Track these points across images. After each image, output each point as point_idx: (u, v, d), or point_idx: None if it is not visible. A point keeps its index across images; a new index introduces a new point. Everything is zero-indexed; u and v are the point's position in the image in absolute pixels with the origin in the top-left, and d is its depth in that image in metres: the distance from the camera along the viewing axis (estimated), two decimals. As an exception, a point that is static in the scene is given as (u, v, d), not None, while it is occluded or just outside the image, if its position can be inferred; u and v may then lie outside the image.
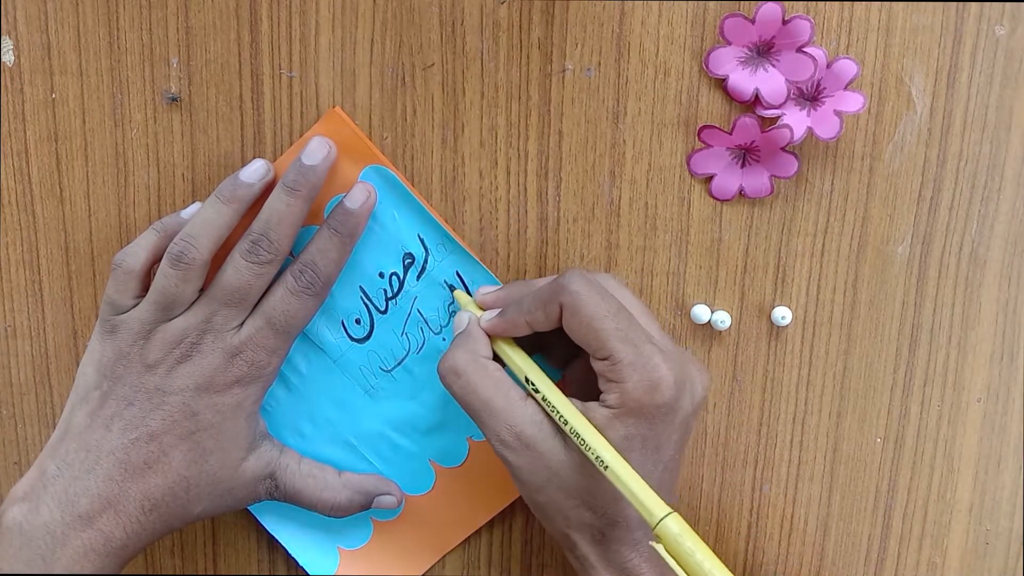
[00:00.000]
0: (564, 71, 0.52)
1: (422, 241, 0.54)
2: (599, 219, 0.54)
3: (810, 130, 0.51)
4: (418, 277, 0.54)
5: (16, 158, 0.54)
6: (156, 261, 0.51)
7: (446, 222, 0.54)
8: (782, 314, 0.53)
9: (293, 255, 0.52)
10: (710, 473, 0.56)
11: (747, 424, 0.55)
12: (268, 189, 0.52)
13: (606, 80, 0.52)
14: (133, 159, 0.54)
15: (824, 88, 0.51)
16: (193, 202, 0.53)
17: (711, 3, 0.51)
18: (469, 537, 0.57)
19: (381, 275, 0.54)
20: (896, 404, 0.55)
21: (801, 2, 0.51)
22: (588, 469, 0.47)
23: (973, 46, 0.51)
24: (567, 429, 0.46)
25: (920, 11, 0.51)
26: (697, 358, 0.54)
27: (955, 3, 0.51)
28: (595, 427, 0.46)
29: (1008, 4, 0.51)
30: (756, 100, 0.51)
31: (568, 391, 0.49)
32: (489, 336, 0.50)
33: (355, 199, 0.52)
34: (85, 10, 0.53)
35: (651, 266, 0.54)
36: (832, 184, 0.53)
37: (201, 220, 0.50)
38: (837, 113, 0.51)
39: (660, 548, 0.44)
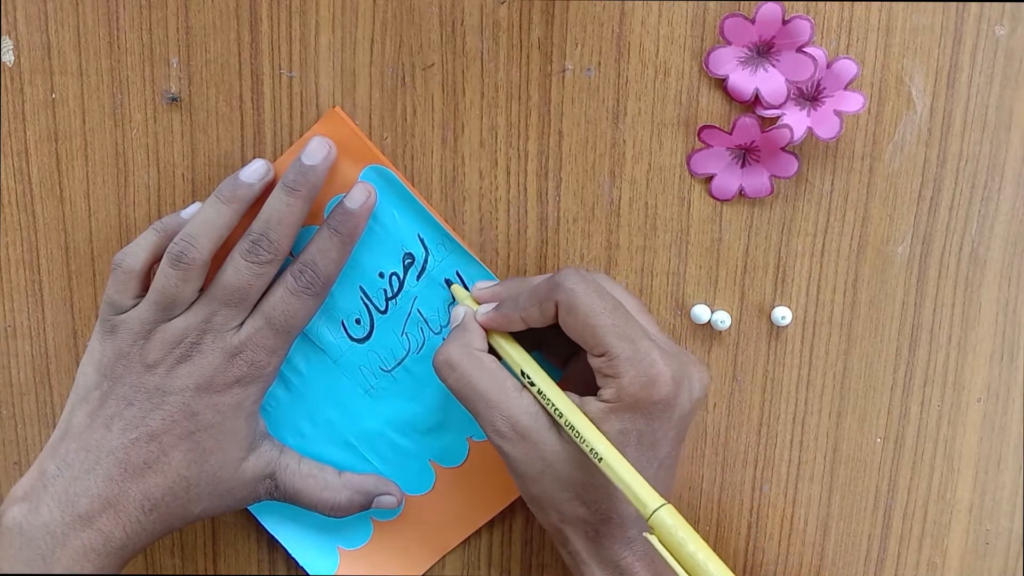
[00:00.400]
0: (564, 71, 0.52)
1: (422, 241, 0.54)
2: (599, 219, 0.54)
3: (810, 130, 0.51)
4: (418, 277, 0.54)
5: (16, 158, 0.54)
6: (156, 261, 0.51)
7: (446, 222, 0.54)
8: (782, 314, 0.53)
9: (293, 255, 0.52)
10: (710, 473, 0.56)
11: (747, 424, 0.55)
12: (268, 189, 0.52)
13: (606, 80, 0.52)
14: (133, 159, 0.54)
15: (824, 88, 0.51)
16: (193, 202, 0.53)
17: (711, 3, 0.51)
18: (469, 537, 0.57)
19: (381, 275, 0.54)
20: (896, 404, 0.55)
21: (801, 2, 0.51)
22: (583, 462, 0.47)
23: (973, 46, 0.51)
24: (562, 422, 0.46)
25: (920, 11, 0.51)
26: (697, 357, 0.54)
27: (955, 3, 0.51)
28: (590, 420, 0.46)
29: (1008, 4, 0.51)
30: (756, 100, 0.51)
31: (568, 389, 0.49)
32: (485, 330, 0.50)
33: (355, 199, 0.52)
34: (85, 10, 0.53)
35: (651, 266, 0.54)
36: (832, 184, 0.53)
37: (201, 220, 0.50)
38: (837, 113, 0.51)
39: (654, 540, 0.44)
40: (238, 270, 0.50)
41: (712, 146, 0.52)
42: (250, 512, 0.56)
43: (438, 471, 0.56)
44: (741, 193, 0.53)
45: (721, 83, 0.52)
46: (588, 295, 0.47)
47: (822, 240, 0.53)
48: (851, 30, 0.51)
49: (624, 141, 0.53)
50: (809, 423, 0.55)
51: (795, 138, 0.51)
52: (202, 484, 0.51)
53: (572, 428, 0.46)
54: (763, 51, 0.51)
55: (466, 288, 0.54)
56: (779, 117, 0.51)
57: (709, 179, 0.53)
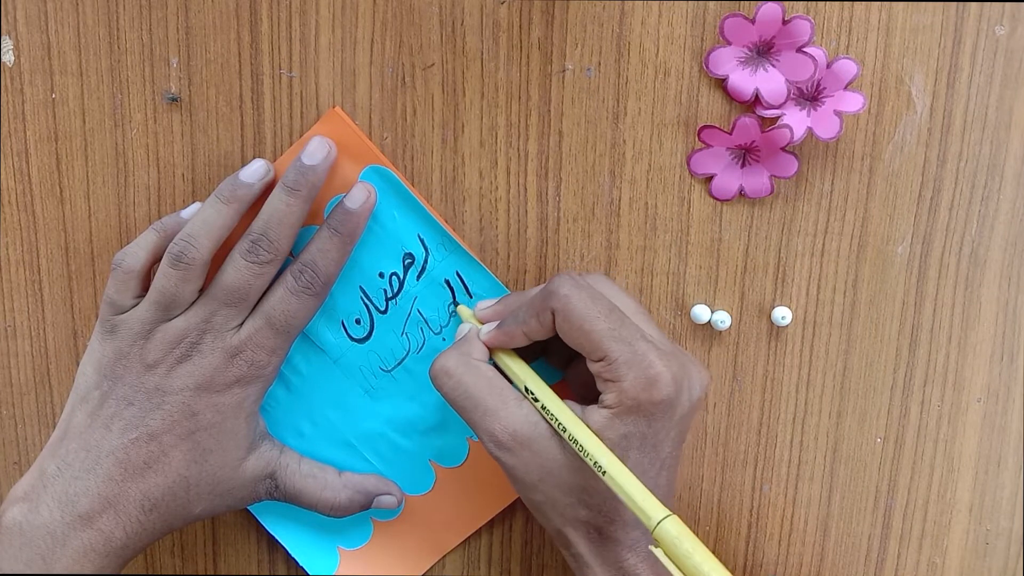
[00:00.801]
0: (564, 71, 0.52)
1: (422, 241, 0.54)
2: (599, 219, 0.54)
3: (810, 130, 0.51)
4: (418, 277, 0.54)
5: (16, 158, 0.54)
6: (156, 261, 0.51)
7: (446, 222, 0.54)
8: (782, 314, 0.53)
9: (293, 255, 0.52)
10: (710, 473, 0.56)
11: (747, 424, 0.55)
12: (268, 189, 0.52)
13: (606, 80, 0.52)
14: (133, 159, 0.54)
15: (824, 88, 0.51)
16: (193, 202, 0.53)
17: (711, 3, 0.51)
18: (469, 537, 0.57)
19: (381, 275, 0.54)
20: (896, 404, 0.55)
21: (801, 2, 0.51)
22: (585, 468, 0.47)
23: (973, 46, 0.51)
24: (566, 436, 0.46)
25: (920, 11, 0.51)
26: (697, 357, 0.54)
27: (955, 3, 0.51)
28: (593, 431, 0.46)
29: (1008, 4, 0.51)
30: (756, 100, 0.51)
31: (570, 393, 0.49)
32: (489, 349, 0.50)
33: (355, 199, 0.52)
34: (85, 10, 0.53)
35: (651, 266, 0.54)
36: (832, 184, 0.53)
37: (201, 220, 0.50)
38: (837, 113, 0.51)
39: (659, 553, 0.43)
40: (238, 270, 0.50)
41: (712, 146, 0.52)
42: (250, 512, 0.56)
43: (438, 471, 0.56)
44: (741, 193, 0.53)
45: (721, 83, 0.52)
46: (582, 301, 0.47)
47: (822, 240, 0.53)
48: (851, 30, 0.51)
49: (624, 141, 0.53)
50: (809, 423, 0.55)
51: (795, 138, 0.51)
52: (202, 484, 0.51)
53: (575, 442, 0.46)
54: (763, 51, 0.51)
55: (467, 291, 0.54)
56: (779, 117, 0.51)
57: (709, 179, 0.53)
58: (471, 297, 0.54)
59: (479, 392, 0.48)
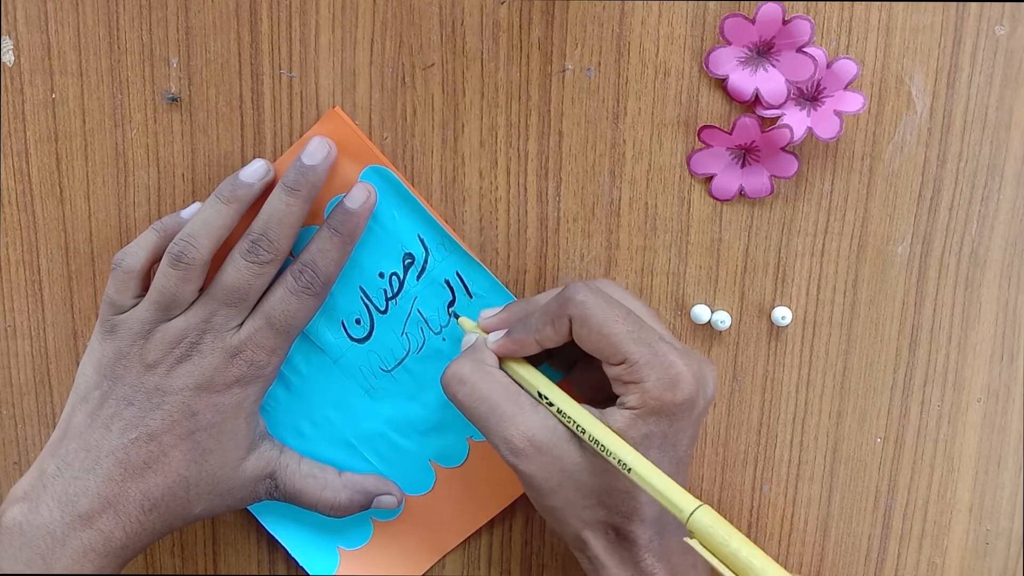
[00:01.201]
0: (564, 71, 0.52)
1: (422, 241, 0.54)
2: (599, 219, 0.54)
3: (810, 130, 0.51)
4: (418, 277, 0.54)
5: (16, 158, 0.54)
6: (156, 261, 0.51)
7: (446, 222, 0.54)
8: (782, 314, 0.53)
9: (293, 255, 0.52)
10: (710, 473, 0.56)
11: (747, 424, 0.55)
12: (268, 189, 0.52)
13: (606, 80, 0.52)
14: (133, 159, 0.54)
15: (824, 88, 0.51)
16: (193, 202, 0.53)
17: (711, 3, 0.51)
18: (469, 537, 0.57)
19: (381, 275, 0.54)
20: (896, 404, 0.55)
21: (801, 2, 0.51)
22: (605, 469, 0.46)
23: (973, 46, 0.51)
24: (586, 437, 0.46)
25: (920, 11, 0.51)
26: (703, 355, 0.54)
27: (955, 3, 0.51)
28: (614, 431, 0.46)
29: (1008, 4, 0.51)
30: (756, 100, 0.51)
31: (575, 394, 0.49)
32: (499, 357, 0.50)
33: (355, 199, 0.52)
34: (85, 10, 0.53)
35: (651, 266, 0.54)
36: (832, 184, 0.53)
37: (201, 220, 0.50)
38: (837, 113, 0.51)
39: (695, 543, 0.43)
40: (238, 270, 0.50)
41: (712, 146, 0.52)
42: (250, 512, 0.56)
43: (438, 471, 0.56)
44: (741, 193, 0.53)
45: (721, 83, 0.52)
46: (599, 306, 0.46)
47: (822, 240, 0.53)
48: (851, 30, 0.51)
49: (624, 141, 0.53)
50: (809, 423, 0.55)
51: (795, 138, 0.51)
52: (202, 484, 0.51)
53: (597, 443, 0.46)
54: (763, 51, 0.51)
55: (467, 291, 0.54)
56: (779, 117, 0.51)
57: (709, 179, 0.53)
58: (471, 297, 0.54)
59: (495, 398, 0.48)
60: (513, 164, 0.53)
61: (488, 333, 0.51)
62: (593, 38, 0.52)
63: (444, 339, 0.54)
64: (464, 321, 0.53)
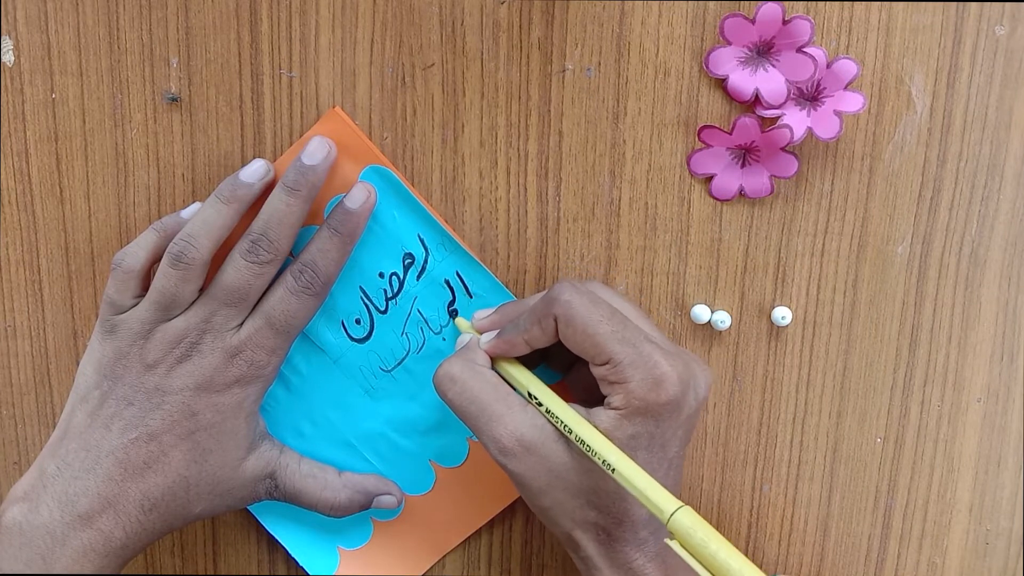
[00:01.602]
0: (564, 71, 0.52)
1: (422, 241, 0.54)
2: (599, 219, 0.54)
3: (810, 130, 0.51)
4: (418, 277, 0.54)
5: (16, 158, 0.54)
6: (156, 261, 0.51)
7: (446, 222, 0.54)
8: (782, 314, 0.53)
9: (293, 255, 0.52)
10: (710, 473, 0.56)
11: (747, 424, 0.55)
12: (268, 189, 0.52)
13: (606, 80, 0.52)
14: (133, 159, 0.54)
15: (824, 88, 0.51)
16: (193, 202, 0.53)
17: (711, 3, 0.51)
18: (469, 537, 0.57)
19: (381, 275, 0.54)
20: (896, 404, 0.55)
21: (801, 2, 0.51)
22: (593, 470, 0.47)
23: (973, 46, 0.51)
24: (572, 437, 0.46)
25: (920, 11, 0.51)
26: (698, 355, 0.54)
27: (955, 3, 0.51)
28: (601, 432, 0.46)
29: (1008, 4, 0.51)
30: (756, 100, 0.51)
31: (570, 398, 0.49)
32: (491, 357, 0.50)
33: (355, 199, 0.52)
34: (85, 10, 0.53)
35: (651, 266, 0.54)
36: (832, 184, 0.53)
37: (201, 220, 0.50)
38: (837, 113, 0.51)
39: (675, 545, 0.43)
40: (238, 270, 0.50)
41: (712, 146, 0.52)
42: (250, 512, 0.56)
43: (438, 471, 0.56)
44: (741, 193, 0.53)
45: (721, 83, 0.52)
46: (584, 306, 0.47)
47: (822, 240, 0.53)
48: (851, 30, 0.51)
49: (624, 141, 0.53)
50: (809, 423, 0.55)
51: (795, 138, 0.51)
52: (202, 484, 0.51)
53: (582, 442, 0.46)
54: (763, 51, 0.51)
55: (467, 291, 0.54)
56: (779, 117, 0.51)
57: (709, 179, 0.53)
58: (471, 297, 0.54)
59: (484, 397, 0.48)
60: (513, 164, 0.53)
61: (481, 334, 0.51)
62: (593, 38, 0.52)
63: (444, 339, 0.54)
64: (459, 321, 0.53)
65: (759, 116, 0.51)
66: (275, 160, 0.53)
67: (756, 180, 0.53)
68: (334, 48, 0.52)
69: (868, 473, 0.55)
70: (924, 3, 0.51)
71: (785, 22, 0.50)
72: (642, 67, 0.52)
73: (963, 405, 0.55)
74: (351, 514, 0.55)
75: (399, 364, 0.55)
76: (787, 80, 0.51)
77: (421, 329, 0.54)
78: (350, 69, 0.53)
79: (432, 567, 0.57)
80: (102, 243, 0.55)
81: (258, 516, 0.56)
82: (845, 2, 0.51)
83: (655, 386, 0.45)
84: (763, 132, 0.51)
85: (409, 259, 0.54)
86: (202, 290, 0.51)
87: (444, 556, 0.57)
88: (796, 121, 0.51)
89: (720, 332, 0.54)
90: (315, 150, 0.51)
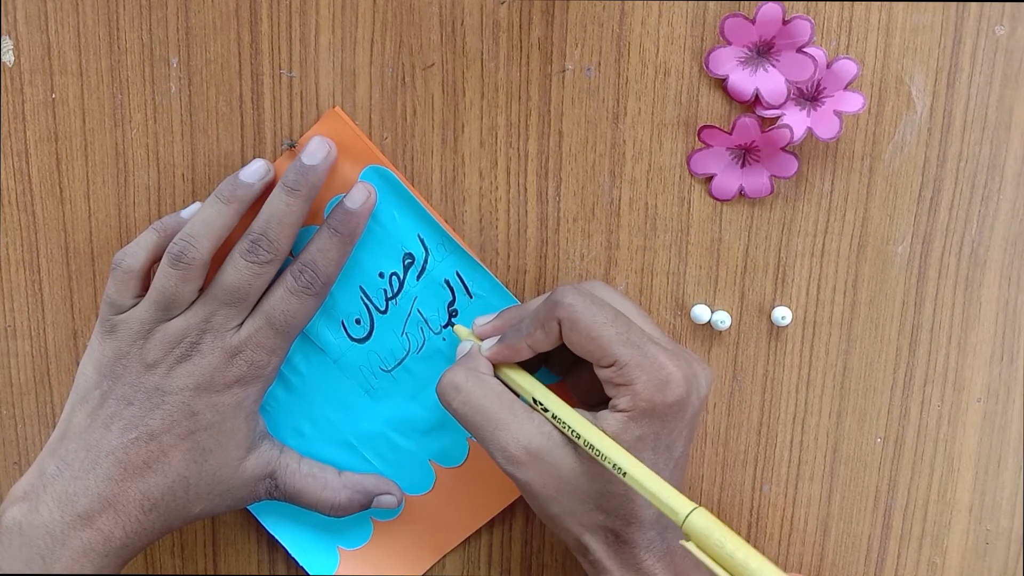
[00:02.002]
0: (564, 71, 0.52)
1: (422, 241, 0.54)
2: (599, 219, 0.54)
3: (810, 130, 0.51)
4: (418, 277, 0.54)
5: (16, 158, 0.54)
6: (156, 261, 0.51)
7: (446, 222, 0.54)
8: (782, 314, 0.53)
9: (293, 255, 0.52)
10: (710, 473, 0.56)
11: (747, 424, 0.55)
12: (268, 189, 0.52)
13: (606, 80, 0.52)
14: (133, 159, 0.54)
15: (824, 88, 0.51)
16: (193, 202, 0.53)
17: (711, 3, 0.51)
18: (469, 537, 0.57)
19: (381, 275, 0.54)
20: (896, 404, 0.55)
21: (801, 2, 0.51)
22: (602, 474, 0.46)
23: (973, 46, 0.51)
24: (580, 442, 0.46)
25: (920, 11, 0.51)
26: (698, 355, 0.54)
27: (955, 3, 0.51)
28: (608, 435, 0.46)
29: (1008, 4, 0.51)
30: (756, 100, 0.51)
31: (572, 400, 0.49)
32: (493, 364, 0.50)
33: (355, 199, 0.52)
34: (85, 10, 0.53)
35: (651, 266, 0.54)
36: (832, 184, 0.53)
37: (201, 220, 0.50)
38: (837, 113, 0.51)
39: (691, 546, 0.43)
40: (238, 270, 0.50)
41: (712, 146, 0.52)
42: (250, 512, 0.56)
43: (438, 471, 0.56)
44: (741, 193, 0.53)
45: (721, 83, 0.52)
46: (588, 308, 0.46)
47: (822, 240, 0.53)
48: (851, 30, 0.51)
49: (624, 141, 0.53)
50: (809, 423, 0.55)
51: (795, 138, 0.51)
52: (202, 484, 0.51)
53: (591, 447, 0.46)
54: (763, 51, 0.51)
55: (467, 291, 0.54)
56: (779, 117, 0.51)
57: (709, 179, 0.53)
58: (471, 297, 0.54)
59: (489, 406, 0.48)
60: (513, 164, 0.53)
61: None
62: (593, 38, 0.52)
63: (444, 339, 0.54)
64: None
65: (759, 116, 0.51)
66: (275, 160, 0.53)
67: (756, 180, 0.53)
68: (334, 48, 0.52)
69: (868, 473, 0.55)
70: (924, 3, 0.51)
71: (785, 22, 0.50)
72: (642, 67, 0.52)
73: (963, 405, 0.55)
74: (351, 514, 0.55)
75: (399, 364, 0.55)
76: (787, 80, 0.51)
77: (421, 329, 0.54)
78: (350, 69, 0.53)
79: (432, 567, 0.57)
80: (102, 243, 0.55)
81: (258, 516, 0.56)
82: (845, 2, 0.51)
83: (661, 387, 0.45)
84: (763, 132, 0.51)
85: (409, 259, 0.54)
86: (202, 290, 0.51)
87: (444, 556, 0.57)
88: (796, 121, 0.51)
89: (720, 332, 0.54)
90: (315, 150, 0.51)
